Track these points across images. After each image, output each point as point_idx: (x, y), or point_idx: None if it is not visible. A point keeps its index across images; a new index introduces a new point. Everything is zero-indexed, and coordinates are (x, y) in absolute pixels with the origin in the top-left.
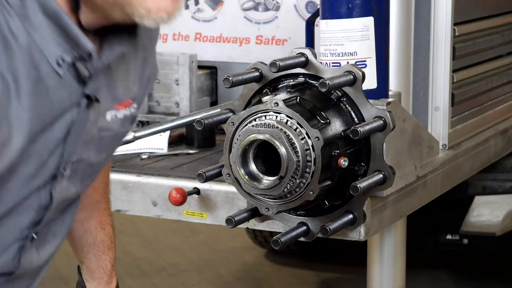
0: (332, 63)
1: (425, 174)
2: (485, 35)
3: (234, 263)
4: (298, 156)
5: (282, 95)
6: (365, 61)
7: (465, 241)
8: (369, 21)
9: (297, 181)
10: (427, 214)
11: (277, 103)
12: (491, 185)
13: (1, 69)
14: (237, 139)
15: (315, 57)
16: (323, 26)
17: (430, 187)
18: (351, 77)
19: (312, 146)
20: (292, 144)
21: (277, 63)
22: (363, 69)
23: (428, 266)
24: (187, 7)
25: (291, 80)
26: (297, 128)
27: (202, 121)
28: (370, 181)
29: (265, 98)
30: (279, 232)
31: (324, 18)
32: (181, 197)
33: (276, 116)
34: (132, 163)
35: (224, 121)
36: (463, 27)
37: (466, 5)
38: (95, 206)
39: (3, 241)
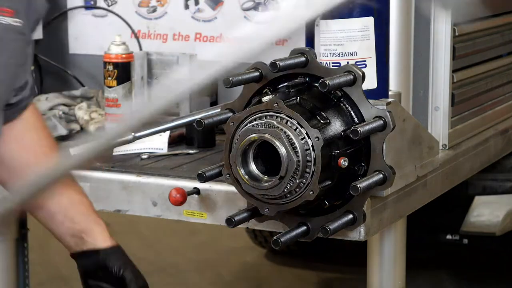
0: (332, 63)
1: (425, 174)
2: (485, 35)
3: (234, 263)
4: (298, 156)
5: (282, 95)
6: (365, 61)
7: (465, 241)
8: (369, 21)
9: (297, 181)
10: (427, 214)
11: (277, 103)
12: (491, 185)
13: None
14: (237, 139)
15: (315, 57)
16: (323, 26)
17: (430, 187)
18: (351, 77)
19: (312, 146)
20: (292, 144)
21: (277, 63)
22: (363, 69)
23: (428, 266)
24: (187, 7)
25: (291, 80)
26: (297, 128)
27: (202, 121)
28: (370, 181)
29: (265, 98)
30: (279, 232)
31: (324, 18)
32: (181, 197)
33: (276, 116)
34: (132, 163)
35: (224, 121)
36: (463, 27)
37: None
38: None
39: None
